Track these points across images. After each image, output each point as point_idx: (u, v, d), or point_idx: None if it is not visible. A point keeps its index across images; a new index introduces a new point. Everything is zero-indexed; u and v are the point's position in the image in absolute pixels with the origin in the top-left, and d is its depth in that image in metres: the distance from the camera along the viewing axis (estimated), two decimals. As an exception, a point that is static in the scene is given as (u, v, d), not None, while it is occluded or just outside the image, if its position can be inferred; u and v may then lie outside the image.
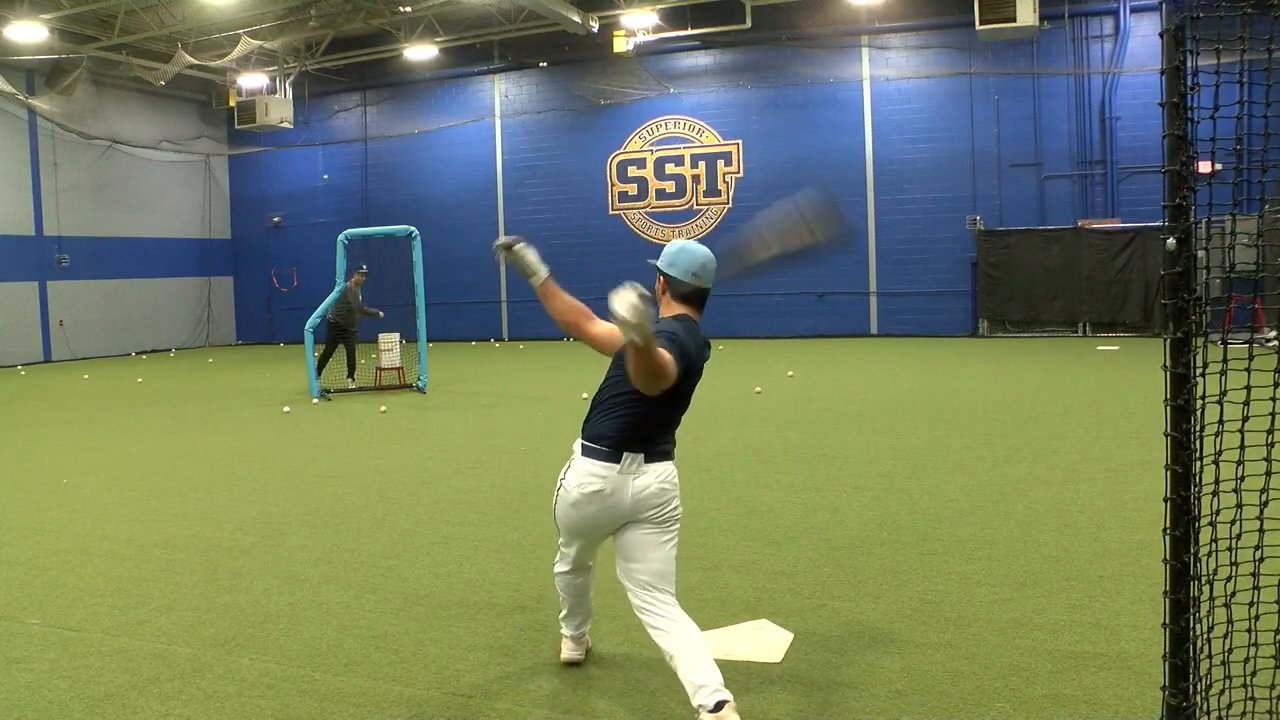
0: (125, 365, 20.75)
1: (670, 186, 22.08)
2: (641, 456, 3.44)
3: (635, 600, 3.45)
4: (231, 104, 23.55)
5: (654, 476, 3.45)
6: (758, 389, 12.45)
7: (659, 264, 3.56)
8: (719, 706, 3.07)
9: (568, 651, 3.96)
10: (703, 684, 3.14)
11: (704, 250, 3.52)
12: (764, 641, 4.12)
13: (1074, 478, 6.99)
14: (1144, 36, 18.47)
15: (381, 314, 14.79)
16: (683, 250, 3.52)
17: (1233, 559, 2.79)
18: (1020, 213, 19.42)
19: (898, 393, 11.87)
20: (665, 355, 3.11)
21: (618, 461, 3.40)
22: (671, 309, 3.52)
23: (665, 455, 3.52)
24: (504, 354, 20.01)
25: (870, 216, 20.49)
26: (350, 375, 14.49)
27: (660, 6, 19.58)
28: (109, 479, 8.29)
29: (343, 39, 21.96)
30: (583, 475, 3.43)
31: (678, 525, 3.54)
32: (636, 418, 3.41)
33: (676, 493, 3.52)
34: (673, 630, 3.32)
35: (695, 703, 3.14)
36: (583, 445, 3.48)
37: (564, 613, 3.92)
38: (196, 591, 5.09)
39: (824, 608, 4.53)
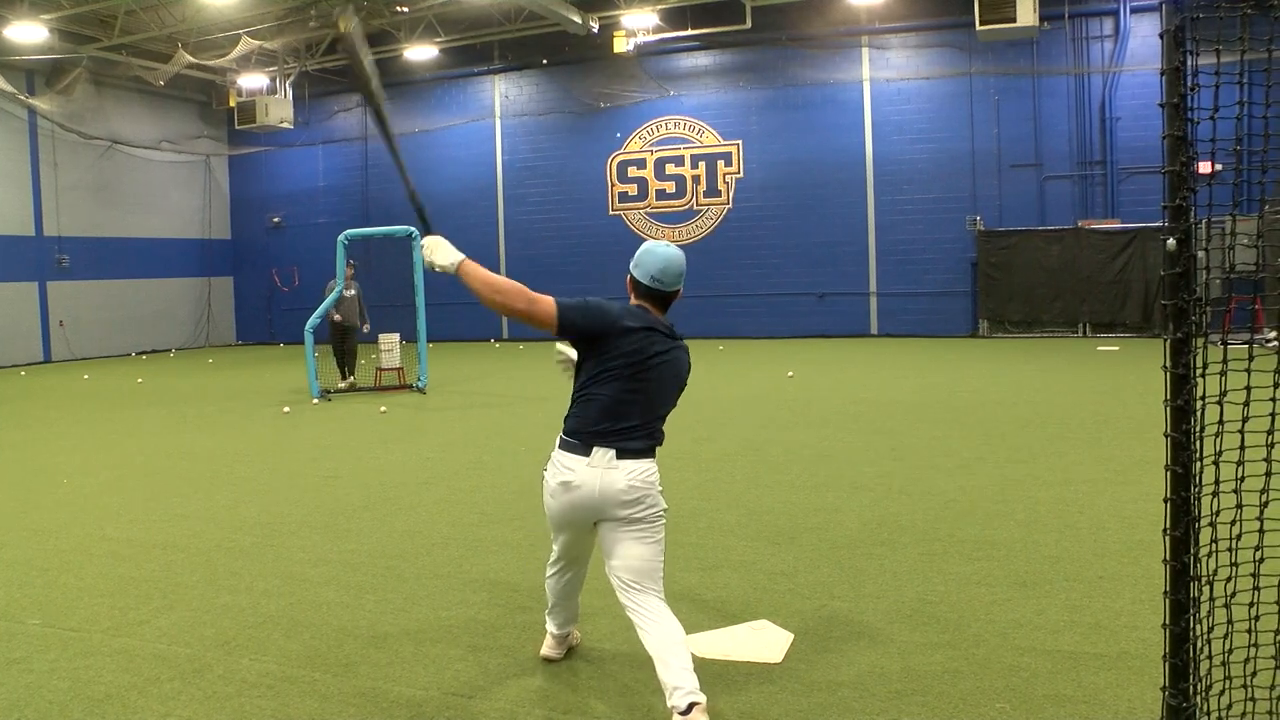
0: (125, 365, 20.74)
1: (670, 187, 22.08)
2: (613, 453, 3.46)
3: (621, 599, 3.51)
4: (231, 104, 23.55)
5: (625, 474, 3.45)
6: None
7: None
8: (689, 709, 3.16)
9: (546, 648, 4.02)
10: (676, 686, 3.22)
11: (669, 254, 3.56)
12: (764, 642, 4.12)
13: (1074, 478, 6.99)
14: (1144, 37, 18.47)
15: (367, 327, 14.90)
16: (648, 252, 3.59)
17: (1233, 559, 2.79)
18: (1020, 213, 19.42)
19: (898, 393, 11.87)
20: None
21: (587, 455, 3.47)
22: (633, 301, 3.63)
23: (639, 453, 3.50)
24: (504, 354, 20.01)
25: (870, 217, 20.49)
26: (351, 373, 14.55)
27: (660, 7, 19.58)
28: (109, 479, 8.29)
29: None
30: (557, 467, 3.54)
31: (658, 525, 3.53)
32: (600, 407, 3.48)
33: (652, 491, 3.50)
34: (653, 631, 3.37)
35: (669, 704, 3.23)
36: (560, 439, 3.58)
37: (549, 608, 3.98)
38: (196, 592, 5.09)
39: (824, 608, 4.53)
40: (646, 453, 3.53)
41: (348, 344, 14.63)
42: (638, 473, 3.47)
